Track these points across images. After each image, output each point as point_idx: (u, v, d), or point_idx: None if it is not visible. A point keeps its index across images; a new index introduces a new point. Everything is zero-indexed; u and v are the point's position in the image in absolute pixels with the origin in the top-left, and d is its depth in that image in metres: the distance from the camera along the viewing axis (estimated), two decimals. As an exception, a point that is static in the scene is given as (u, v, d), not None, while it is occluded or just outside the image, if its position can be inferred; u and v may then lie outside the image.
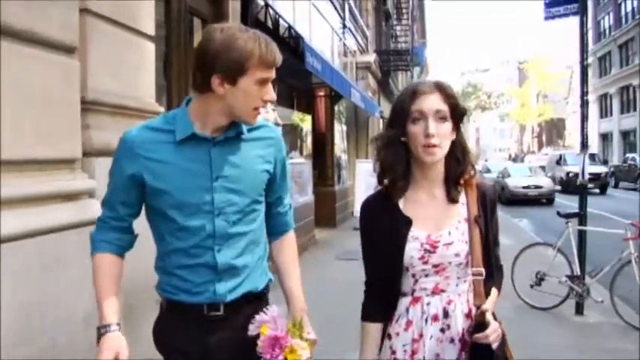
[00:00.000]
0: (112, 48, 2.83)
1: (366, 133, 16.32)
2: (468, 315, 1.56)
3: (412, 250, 1.55)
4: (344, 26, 13.06)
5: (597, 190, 21.23)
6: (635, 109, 33.70)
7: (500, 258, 1.71)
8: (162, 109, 3.22)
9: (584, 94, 5.41)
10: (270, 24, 6.53)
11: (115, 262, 1.59)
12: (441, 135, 1.51)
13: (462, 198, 1.61)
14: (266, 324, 1.49)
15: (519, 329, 4.34)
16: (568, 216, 5.60)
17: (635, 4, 33.31)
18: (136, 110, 2.95)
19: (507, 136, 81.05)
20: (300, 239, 6.43)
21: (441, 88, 1.55)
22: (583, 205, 5.47)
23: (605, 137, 39.73)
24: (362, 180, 11.17)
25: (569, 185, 20.32)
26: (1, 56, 2.02)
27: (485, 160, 45.70)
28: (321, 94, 11.56)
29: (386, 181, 1.61)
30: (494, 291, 1.62)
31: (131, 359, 1.48)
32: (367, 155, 14.69)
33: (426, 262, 1.55)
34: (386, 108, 16.48)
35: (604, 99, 39.74)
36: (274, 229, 1.79)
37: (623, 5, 35.92)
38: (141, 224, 1.64)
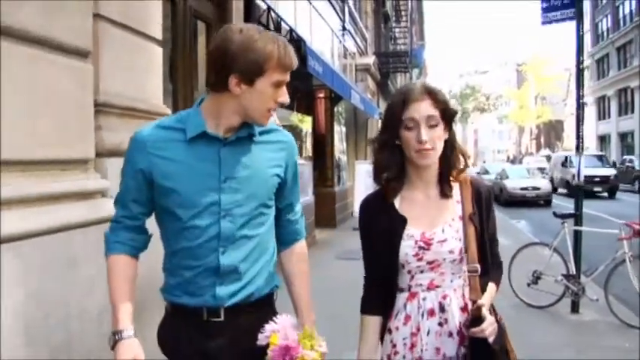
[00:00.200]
0: (122, 52, 2.89)
1: (365, 134, 16.37)
2: (464, 309, 1.61)
3: (407, 247, 1.60)
4: (344, 28, 13.13)
5: (605, 194, 20.84)
6: (632, 112, 33.74)
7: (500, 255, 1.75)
8: (169, 111, 3.29)
9: (579, 97, 5.50)
10: (272, 27, 6.62)
11: (129, 263, 1.59)
12: (434, 139, 1.56)
13: (457, 196, 1.66)
14: (276, 333, 1.46)
15: (516, 327, 4.36)
16: (564, 216, 5.69)
17: (634, 6, 33.40)
18: (144, 112, 3.02)
19: (506, 137, 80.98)
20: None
21: (431, 93, 1.58)
22: (579, 205, 5.57)
23: (603, 139, 39.77)
24: (361, 181, 11.21)
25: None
26: (19, 61, 2.10)
27: (484, 162, 45.81)
28: (321, 95, 11.61)
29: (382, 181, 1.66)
30: (492, 286, 1.68)
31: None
32: (366, 156, 14.76)
33: (420, 259, 1.61)
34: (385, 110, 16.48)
35: (602, 101, 39.79)
36: (284, 237, 1.75)
37: (621, 8, 35.99)
38: (151, 225, 1.66)
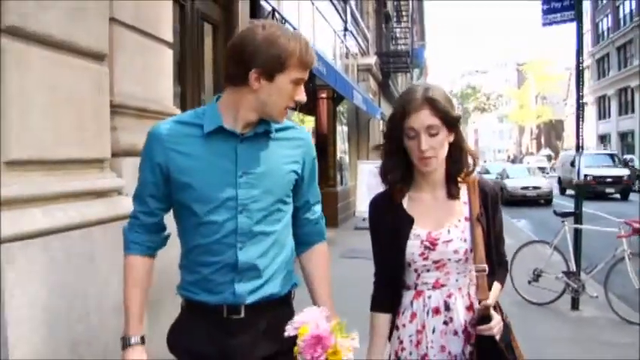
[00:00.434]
0: (135, 54, 2.96)
1: (367, 134, 16.43)
2: (469, 308, 1.64)
3: (413, 247, 1.63)
4: (346, 29, 13.18)
5: (618, 196, 19.27)
6: (633, 111, 33.76)
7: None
8: (179, 112, 3.38)
9: (579, 97, 5.59)
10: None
11: (146, 262, 1.60)
12: (435, 147, 1.57)
13: (464, 197, 1.67)
14: (306, 324, 1.42)
15: (517, 323, 4.41)
16: (564, 215, 5.77)
17: (634, 6, 33.43)
18: (156, 113, 3.07)
19: (506, 137, 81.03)
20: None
21: (430, 101, 1.56)
22: (579, 204, 5.65)
23: (604, 139, 39.78)
24: (364, 181, 11.22)
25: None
26: (43, 64, 2.19)
27: (485, 162, 45.82)
28: (324, 95, 11.64)
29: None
30: (497, 285, 1.70)
31: (151, 358, 1.55)
32: (368, 157, 14.82)
33: (426, 259, 1.63)
34: (386, 109, 16.57)
35: (602, 101, 39.81)
36: (304, 238, 1.72)
37: (621, 7, 36.00)
38: (169, 224, 1.68)
